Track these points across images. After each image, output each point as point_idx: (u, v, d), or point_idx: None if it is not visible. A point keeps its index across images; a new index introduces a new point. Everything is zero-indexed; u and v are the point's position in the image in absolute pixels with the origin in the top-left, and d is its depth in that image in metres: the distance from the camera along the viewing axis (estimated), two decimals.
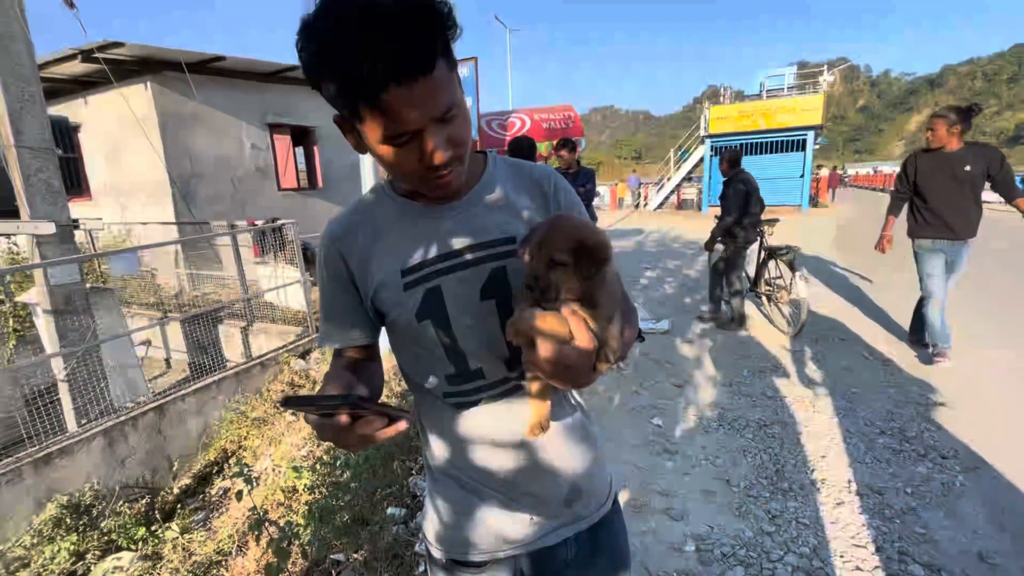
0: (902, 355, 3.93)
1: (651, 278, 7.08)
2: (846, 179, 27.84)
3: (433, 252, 0.73)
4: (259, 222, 6.96)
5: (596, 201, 19.51)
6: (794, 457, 2.68)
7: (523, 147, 3.65)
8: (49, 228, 3.97)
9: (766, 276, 4.89)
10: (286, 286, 5.98)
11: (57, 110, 7.98)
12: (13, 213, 4.30)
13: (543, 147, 8.66)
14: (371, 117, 0.60)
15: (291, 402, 0.52)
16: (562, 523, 0.82)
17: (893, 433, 2.85)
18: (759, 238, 4.75)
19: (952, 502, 2.26)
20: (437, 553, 0.84)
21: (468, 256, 0.73)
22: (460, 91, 0.66)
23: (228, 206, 8.51)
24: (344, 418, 0.52)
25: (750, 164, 17.24)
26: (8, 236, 6.28)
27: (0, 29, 3.79)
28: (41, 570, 3.08)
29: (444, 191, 0.70)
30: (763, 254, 4.82)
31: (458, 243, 0.74)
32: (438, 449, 0.82)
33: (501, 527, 0.80)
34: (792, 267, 4.42)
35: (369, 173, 4.21)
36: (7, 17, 3.83)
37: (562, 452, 0.80)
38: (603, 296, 0.65)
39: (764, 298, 5.01)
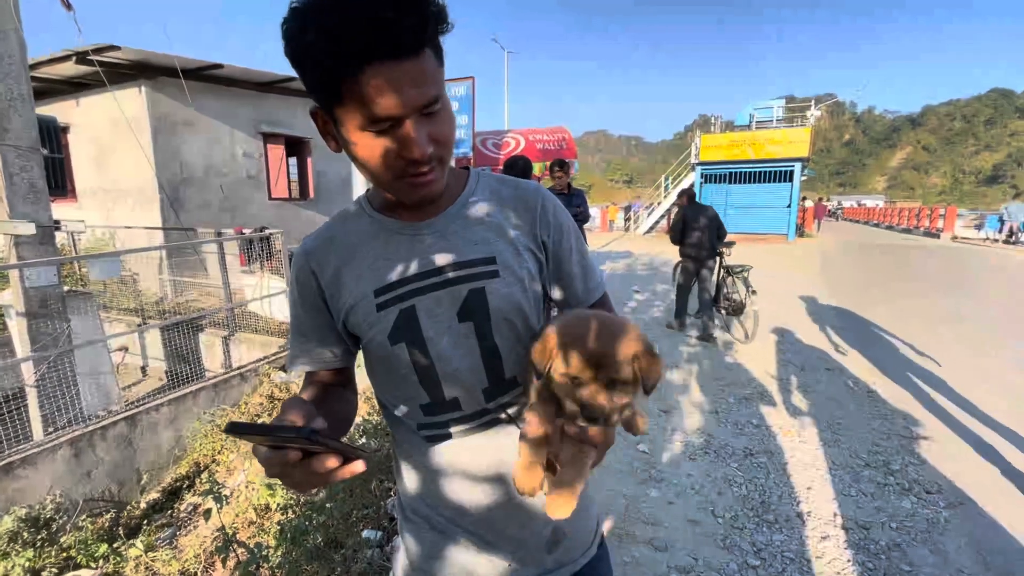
0: (887, 386, 3.95)
1: (640, 301, 7.10)
2: (838, 212, 27.86)
3: (409, 270, 0.69)
4: (247, 231, 6.88)
5: (587, 224, 19.69)
6: (780, 488, 2.65)
7: (518, 167, 3.66)
8: (29, 228, 3.87)
9: (724, 291, 5.50)
10: (271, 296, 5.88)
11: (47, 110, 7.88)
12: None
13: (538, 168, 8.73)
14: (352, 98, 0.56)
15: (238, 428, 0.45)
16: (544, 570, 0.75)
17: (878, 466, 2.84)
18: (719, 259, 5.38)
19: (936, 538, 2.24)
20: None
21: (445, 275, 0.69)
22: (445, 92, 0.63)
23: (216, 213, 8.42)
24: (294, 454, 0.47)
25: (739, 193, 17.59)
26: None
27: None
28: None
29: (421, 193, 0.65)
30: (721, 272, 5.47)
31: (435, 261, 0.69)
32: (411, 484, 0.77)
33: (476, 572, 0.74)
34: (746, 284, 5.09)
35: (360, 186, 4.19)
36: (1, 15, 3.78)
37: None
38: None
39: (723, 312, 5.55)
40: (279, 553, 2.34)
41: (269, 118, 9.19)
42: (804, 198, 20.78)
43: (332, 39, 0.53)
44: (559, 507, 0.58)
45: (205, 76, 8.03)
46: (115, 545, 3.31)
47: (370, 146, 0.60)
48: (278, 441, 0.47)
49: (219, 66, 7.71)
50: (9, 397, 4.15)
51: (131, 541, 3.26)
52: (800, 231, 17.25)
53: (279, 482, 3.08)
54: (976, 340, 5.08)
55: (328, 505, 2.50)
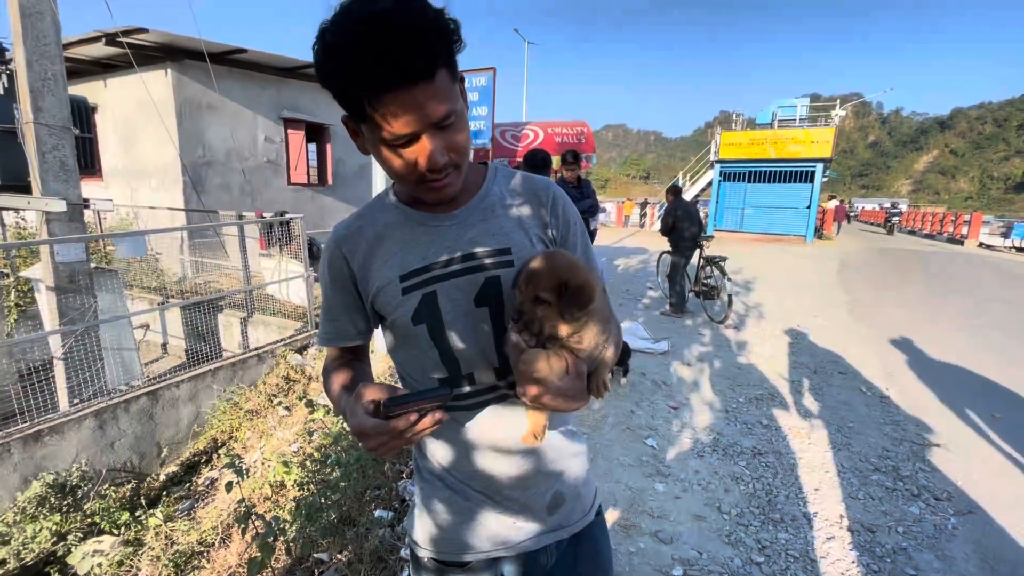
0: (900, 392, 3.92)
1: (653, 298, 7.08)
2: (895, 217, 26.31)
3: (431, 259, 0.76)
4: (267, 215, 6.98)
5: (603, 218, 19.58)
6: (787, 488, 2.66)
7: (538, 160, 3.67)
8: (60, 205, 3.99)
9: (702, 278, 6.13)
10: (289, 280, 5.98)
11: (77, 90, 8.04)
12: (24, 188, 4.32)
13: (556, 161, 8.72)
14: (372, 119, 0.63)
15: (396, 401, 0.58)
16: (544, 529, 0.83)
17: (887, 471, 2.84)
18: (699, 249, 6.09)
19: (943, 545, 2.24)
20: (423, 553, 0.85)
21: (464, 264, 0.75)
22: (462, 102, 0.69)
23: (237, 196, 8.56)
24: (413, 416, 0.58)
25: (757, 192, 17.32)
26: (17, 211, 6.31)
27: (29, 5, 3.85)
28: (21, 548, 3.05)
29: (439, 195, 0.72)
30: (701, 261, 6.14)
31: (455, 251, 0.76)
32: (428, 449, 0.85)
33: (486, 528, 0.81)
34: (723, 271, 5.71)
35: (379, 173, 4.24)
36: None
37: (548, 460, 0.82)
38: (590, 334, 0.68)
39: (701, 295, 6.14)
40: (294, 527, 2.42)
41: (291, 103, 9.28)
42: (832, 197, 20.41)
43: (349, 73, 0.61)
44: (527, 422, 0.75)
45: (229, 60, 8.13)
46: (136, 514, 3.44)
47: (391, 157, 0.67)
48: (425, 404, 0.59)
49: (243, 51, 7.80)
50: (37, 368, 4.31)
51: (151, 511, 3.39)
52: (819, 233, 16.96)
53: (294, 460, 3.15)
54: (999, 349, 5.00)
55: (342, 484, 2.57)
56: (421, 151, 0.65)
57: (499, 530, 0.81)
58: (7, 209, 5.22)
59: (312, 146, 10.47)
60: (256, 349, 5.11)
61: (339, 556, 2.21)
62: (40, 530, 3.13)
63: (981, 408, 3.63)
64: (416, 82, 0.60)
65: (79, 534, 3.25)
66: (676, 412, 3.53)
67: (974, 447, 3.10)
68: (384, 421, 0.58)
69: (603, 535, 0.91)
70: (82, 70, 8.44)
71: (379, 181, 4.35)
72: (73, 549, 3.08)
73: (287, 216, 6.26)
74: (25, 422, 3.48)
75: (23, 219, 7.34)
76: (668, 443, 3.12)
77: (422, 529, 0.85)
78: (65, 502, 3.40)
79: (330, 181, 10.19)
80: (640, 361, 4.44)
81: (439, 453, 0.83)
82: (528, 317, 0.66)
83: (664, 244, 6.40)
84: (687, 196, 19.78)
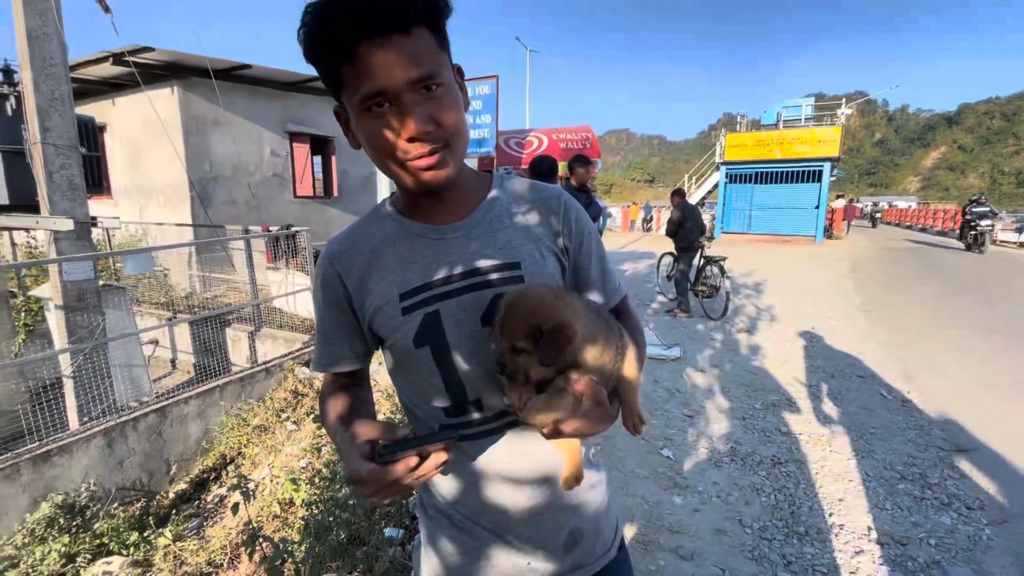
0: (922, 395, 3.80)
1: (663, 303, 6.99)
2: (877, 215, 26.03)
3: (433, 275, 0.70)
4: (273, 228, 7.00)
5: (607, 223, 19.47)
6: (810, 499, 2.57)
7: (544, 167, 3.63)
8: (67, 224, 4.00)
9: (702, 277, 6.29)
10: (296, 293, 5.97)
11: (85, 110, 8.15)
12: (33, 208, 4.35)
13: (562, 168, 8.69)
14: (351, 81, 0.60)
15: (391, 447, 0.53)
16: (560, 570, 0.75)
17: (914, 479, 2.73)
18: (699, 249, 6.26)
19: (979, 557, 2.14)
20: None
21: (469, 280, 0.69)
22: (457, 87, 0.66)
23: (243, 211, 8.60)
24: (413, 460, 0.52)
25: (764, 193, 17.20)
26: (27, 231, 6.37)
27: (36, 28, 3.88)
28: (30, 571, 3.02)
29: (427, 177, 0.64)
30: (701, 261, 6.33)
31: (459, 266, 0.70)
32: (432, 483, 0.78)
33: (497, 570, 0.75)
34: (723, 271, 6.02)
35: (383, 184, 4.22)
36: (44, 17, 3.92)
37: (563, 493, 0.74)
38: (587, 360, 0.62)
39: (700, 295, 6.32)
40: (303, 548, 2.37)
41: (295, 117, 9.35)
42: (840, 196, 20.18)
43: (325, 24, 0.58)
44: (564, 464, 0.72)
45: (234, 76, 8.20)
46: (145, 534, 3.40)
47: (372, 126, 0.62)
48: (428, 447, 0.53)
49: (247, 66, 7.87)
50: (46, 387, 4.31)
51: (160, 530, 3.35)
52: (829, 233, 16.78)
53: (303, 477, 3.11)
54: (1015, 350, 4.86)
55: (351, 502, 2.52)
56: (401, 116, 0.60)
57: (510, 572, 0.75)
58: (16, 229, 5.26)
59: (317, 159, 10.54)
60: (264, 363, 5.08)
61: None
62: (49, 552, 3.09)
63: (1007, 410, 3.51)
64: (388, 34, 0.57)
65: (88, 555, 3.20)
66: (691, 421, 3.45)
67: (1004, 452, 2.98)
68: (381, 467, 0.53)
69: (626, 573, 0.83)
70: (91, 90, 8.55)
71: (383, 191, 4.33)
72: (82, 571, 3.04)
73: (293, 229, 6.27)
74: (34, 442, 3.46)
75: (34, 238, 7.41)
76: (684, 453, 3.04)
77: (429, 570, 0.79)
78: (74, 523, 3.36)
79: (335, 193, 10.23)
80: (652, 368, 4.36)
81: (444, 487, 0.76)
82: (511, 369, 0.61)
83: (669, 247, 6.48)
84: (693, 199, 19.73)
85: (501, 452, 0.72)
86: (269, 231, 6.78)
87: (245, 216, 8.49)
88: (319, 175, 10.78)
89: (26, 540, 3.17)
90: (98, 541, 3.34)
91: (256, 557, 2.30)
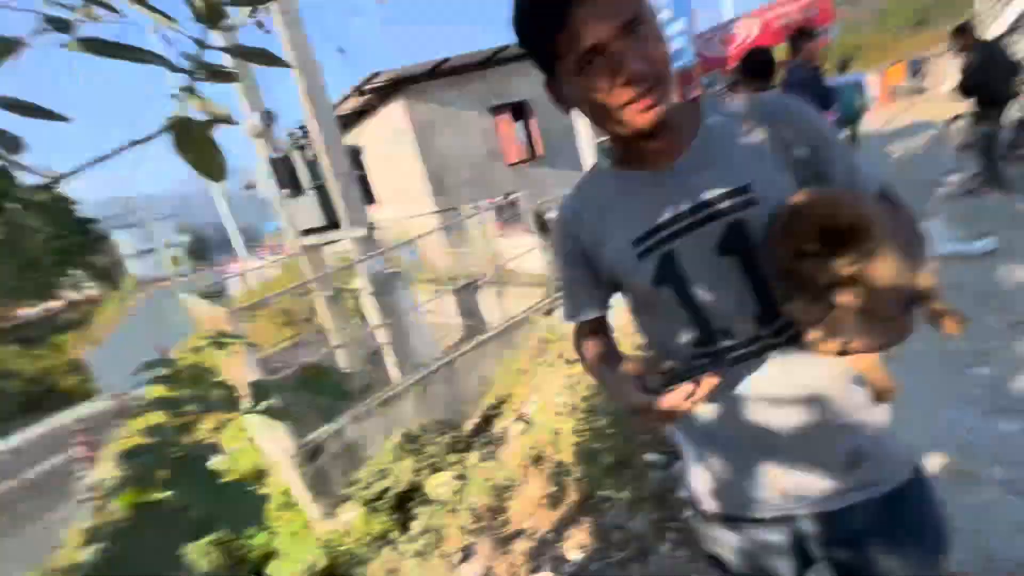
0: None
1: (957, 183, 5.36)
2: None
3: (662, 217, 0.71)
4: (495, 199, 7.82)
5: (864, 98, 15.42)
6: None
7: (757, 64, 3.10)
8: (362, 232, 5.28)
9: (1022, 142, 5.14)
10: (525, 253, 6.63)
11: (345, 141, 10.38)
12: (336, 225, 5.84)
13: (782, 50, 7.28)
14: (563, 44, 0.65)
15: (662, 380, 0.61)
16: (847, 488, 0.73)
17: None
18: (1011, 100, 4.74)
19: None
20: (708, 507, 0.83)
21: (699, 215, 0.70)
22: (647, 8, 0.67)
23: (470, 189, 9.79)
24: (690, 386, 0.59)
25: None
26: (336, 241, 8.62)
27: (311, 86, 5.10)
28: (397, 479, 4.27)
29: (647, 117, 0.66)
30: (1018, 119, 5.12)
31: (686, 203, 0.70)
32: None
33: (776, 484, 0.75)
34: None
35: (584, 134, 4.27)
36: (314, 76, 5.11)
37: (835, 413, 0.71)
38: (881, 269, 0.54)
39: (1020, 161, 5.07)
40: (577, 469, 2.75)
41: (495, 91, 10.05)
42: None
43: (536, 8, 0.65)
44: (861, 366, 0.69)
45: (438, 72, 9.24)
46: (459, 456, 4.40)
47: (588, 85, 0.66)
48: (696, 377, 0.60)
49: (445, 60, 8.76)
50: (373, 353, 5.85)
51: (467, 454, 4.29)
52: None
53: (564, 410, 3.53)
54: None
55: (611, 431, 2.79)
56: (614, 64, 0.64)
57: (789, 486, 0.75)
58: (336, 241, 7.18)
59: (518, 124, 11.17)
60: (512, 318, 5.86)
61: (620, 495, 2.42)
62: (404, 468, 4.30)
63: None
64: None
65: (427, 471, 4.34)
66: (1013, 331, 2.66)
67: None
68: (658, 397, 0.59)
69: (930, 498, 0.77)
70: (347, 122, 10.78)
71: (585, 140, 4.39)
72: (425, 482, 4.15)
73: (511, 196, 6.89)
74: (376, 392, 4.81)
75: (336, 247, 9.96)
76: (1009, 371, 2.39)
77: (702, 486, 0.83)
78: (413, 447, 4.58)
79: (541, 152, 10.72)
80: (951, 270, 3.46)
81: (707, 413, 0.77)
82: (795, 281, 0.57)
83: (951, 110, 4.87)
84: (990, 35, 14.07)
85: (759, 376, 0.72)
86: (492, 203, 7.61)
87: (472, 194, 9.67)
88: (523, 140, 11.43)
89: (389, 458, 4.46)
90: (430, 461, 4.48)
91: (545, 472, 2.77)
